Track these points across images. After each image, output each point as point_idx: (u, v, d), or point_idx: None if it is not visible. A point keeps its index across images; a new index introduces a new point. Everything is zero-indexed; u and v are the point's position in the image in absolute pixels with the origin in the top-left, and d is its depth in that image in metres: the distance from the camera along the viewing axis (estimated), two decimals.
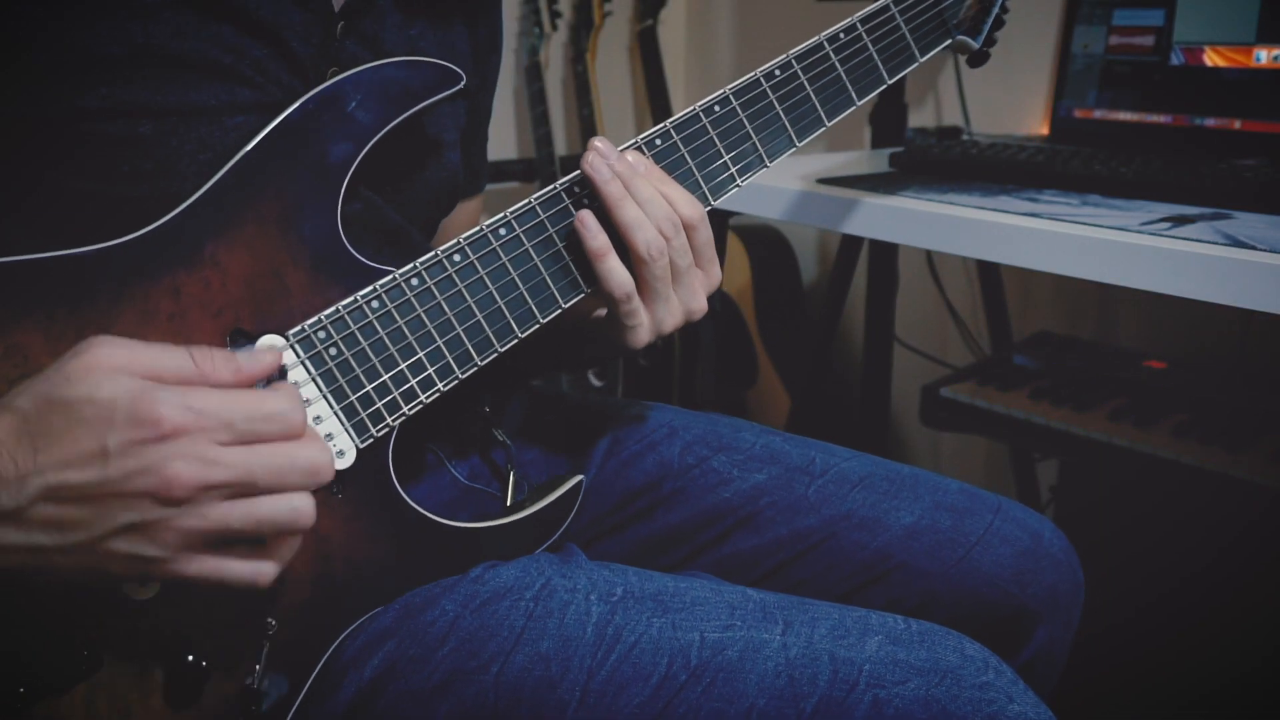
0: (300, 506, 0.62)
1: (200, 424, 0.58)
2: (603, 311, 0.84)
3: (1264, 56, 1.32)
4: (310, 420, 0.71)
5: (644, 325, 0.80)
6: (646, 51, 2.32)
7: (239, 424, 0.60)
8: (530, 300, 0.77)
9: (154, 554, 0.59)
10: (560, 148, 2.34)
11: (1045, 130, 1.61)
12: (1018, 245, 1.08)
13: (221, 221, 0.71)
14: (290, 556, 0.64)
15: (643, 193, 0.78)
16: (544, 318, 0.78)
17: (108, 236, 0.68)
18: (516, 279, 0.77)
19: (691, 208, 0.80)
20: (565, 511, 0.83)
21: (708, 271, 0.83)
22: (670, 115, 0.82)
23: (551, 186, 0.79)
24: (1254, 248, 0.94)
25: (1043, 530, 0.94)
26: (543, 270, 0.78)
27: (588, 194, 0.79)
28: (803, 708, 0.69)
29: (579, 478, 0.84)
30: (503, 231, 0.77)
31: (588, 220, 0.77)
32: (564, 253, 0.78)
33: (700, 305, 0.82)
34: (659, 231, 0.78)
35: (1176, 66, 1.41)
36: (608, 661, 0.71)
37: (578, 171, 0.79)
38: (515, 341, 0.77)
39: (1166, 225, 1.04)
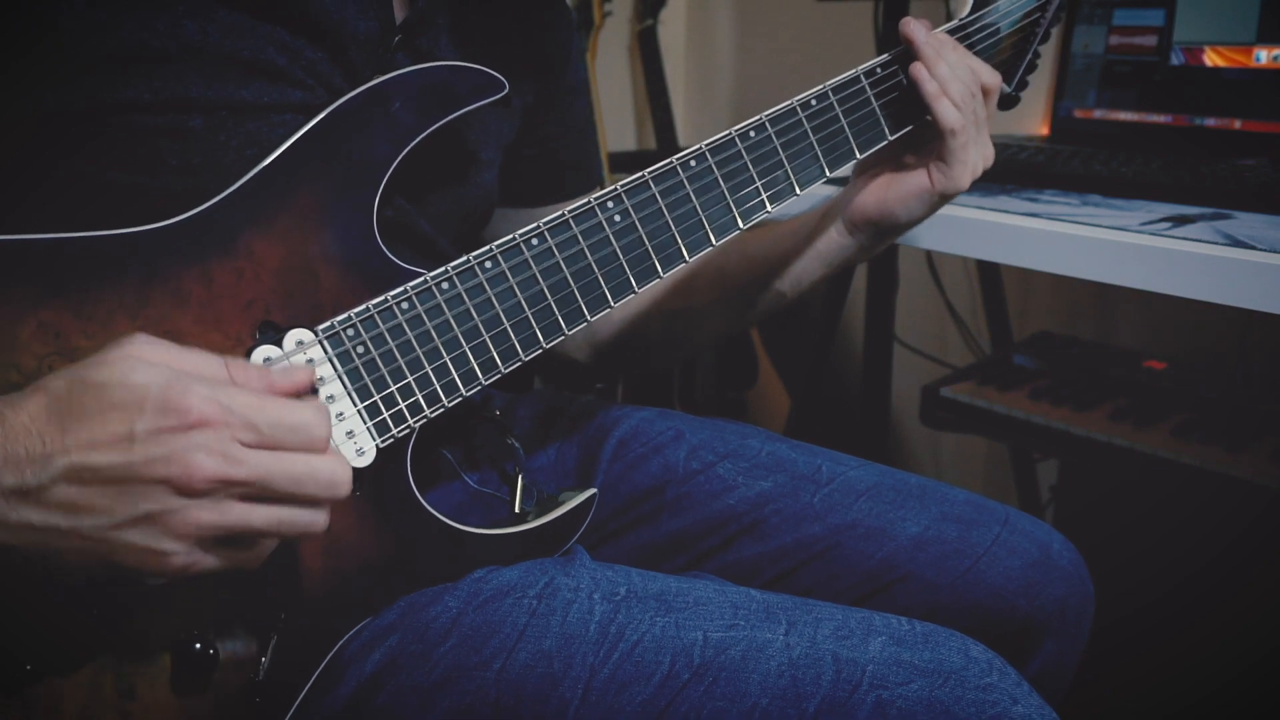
0: (317, 516, 0.63)
1: (226, 419, 0.59)
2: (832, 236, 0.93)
3: (1264, 56, 1.32)
4: (333, 417, 0.71)
5: (968, 162, 0.88)
6: (646, 51, 2.31)
7: (263, 427, 0.60)
8: (557, 311, 0.78)
9: (167, 548, 0.59)
10: None
11: (1045, 130, 1.61)
12: (1018, 245, 1.08)
13: (258, 213, 0.71)
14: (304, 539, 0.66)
15: (950, 58, 0.88)
16: (570, 329, 0.78)
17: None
18: (545, 289, 0.77)
19: (991, 76, 0.90)
20: (577, 523, 0.83)
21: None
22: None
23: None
24: (1254, 248, 0.95)
25: (1051, 542, 0.94)
26: (572, 283, 0.78)
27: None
28: (805, 708, 0.69)
29: (592, 491, 0.84)
30: (535, 242, 0.77)
31: (921, 70, 0.86)
32: (593, 266, 0.78)
33: (991, 154, 0.91)
34: (965, 87, 0.87)
35: (1176, 66, 1.41)
36: (610, 660, 0.71)
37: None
38: (540, 351, 0.78)
39: (1166, 225, 1.04)
